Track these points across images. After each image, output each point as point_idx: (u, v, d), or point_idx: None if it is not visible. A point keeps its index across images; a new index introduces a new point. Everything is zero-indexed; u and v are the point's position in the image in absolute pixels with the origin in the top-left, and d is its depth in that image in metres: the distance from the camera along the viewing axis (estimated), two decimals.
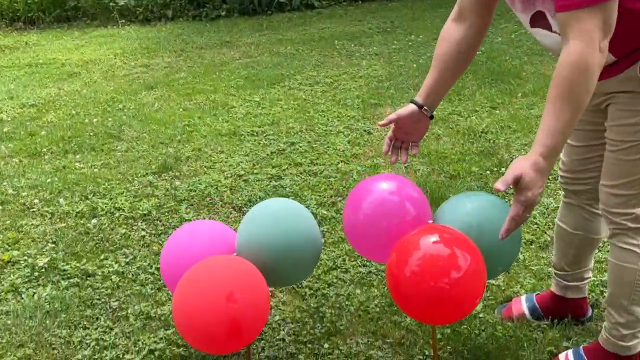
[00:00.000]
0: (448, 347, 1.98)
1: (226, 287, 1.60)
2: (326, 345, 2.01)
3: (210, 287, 1.60)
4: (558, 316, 2.03)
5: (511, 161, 3.18)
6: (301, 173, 3.29)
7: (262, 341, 2.07)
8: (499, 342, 1.97)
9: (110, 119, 4.33)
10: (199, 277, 1.63)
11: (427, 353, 1.96)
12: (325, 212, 2.84)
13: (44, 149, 3.85)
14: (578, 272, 1.97)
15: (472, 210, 1.74)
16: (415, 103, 1.74)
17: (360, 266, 2.45)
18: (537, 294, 2.10)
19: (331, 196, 3.01)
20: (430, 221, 1.76)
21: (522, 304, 2.09)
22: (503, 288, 2.26)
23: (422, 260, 1.59)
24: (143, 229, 2.83)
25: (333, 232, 2.70)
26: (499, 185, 1.37)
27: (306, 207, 2.92)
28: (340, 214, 2.82)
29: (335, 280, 2.35)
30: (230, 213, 2.94)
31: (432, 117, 1.76)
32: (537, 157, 1.40)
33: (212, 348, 1.64)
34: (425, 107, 1.74)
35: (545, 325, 2.03)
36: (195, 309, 1.58)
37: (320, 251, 1.84)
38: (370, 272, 2.41)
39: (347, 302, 2.22)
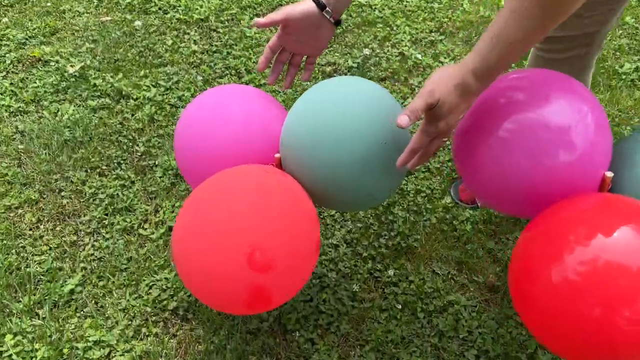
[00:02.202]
0: None
1: (249, 240, 0.85)
2: (390, 272, 1.30)
3: (226, 237, 0.86)
4: None
5: None
6: None
7: None
8: None
9: None
10: (209, 214, 0.88)
11: None
12: (419, 57, 1.91)
13: None
14: None
15: None
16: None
17: None
18: None
19: (431, 31, 2.04)
20: (610, 174, 0.90)
21: None
22: None
23: (590, 265, 0.77)
24: (195, 42, 2.00)
25: None
26: (402, 120, 0.80)
27: (396, 42, 2.00)
28: (439, 60, 1.89)
29: (418, 167, 1.55)
30: None
31: (338, 23, 1.02)
32: (467, 73, 0.81)
33: (227, 311, 0.96)
34: (329, 8, 0.99)
35: None
36: (201, 263, 0.87)
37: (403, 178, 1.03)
38: None
39: (428, 206, 1.45)
